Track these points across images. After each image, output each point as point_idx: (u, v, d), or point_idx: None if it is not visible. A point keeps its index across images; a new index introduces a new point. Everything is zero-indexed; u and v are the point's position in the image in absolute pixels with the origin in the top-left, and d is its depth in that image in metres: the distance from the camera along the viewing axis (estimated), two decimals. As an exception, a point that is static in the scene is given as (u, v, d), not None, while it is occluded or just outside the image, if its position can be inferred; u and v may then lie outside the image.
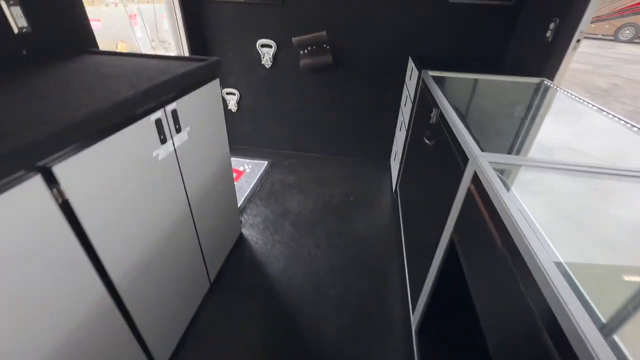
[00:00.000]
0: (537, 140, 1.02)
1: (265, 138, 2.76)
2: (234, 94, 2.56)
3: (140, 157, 0.91)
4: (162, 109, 0.98)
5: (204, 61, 1.26)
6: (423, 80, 1.63)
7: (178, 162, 1.10)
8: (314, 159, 2.68)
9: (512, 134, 1.07)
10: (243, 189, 2.24)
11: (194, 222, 1.26)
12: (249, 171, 2.46)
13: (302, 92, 2.47)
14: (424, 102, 1.55)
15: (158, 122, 0.96)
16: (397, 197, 2.14)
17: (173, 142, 1.05)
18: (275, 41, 2.28)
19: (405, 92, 2.13)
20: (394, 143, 2.44)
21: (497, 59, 2.07)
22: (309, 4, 2.11)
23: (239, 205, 2.06)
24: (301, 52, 2.25)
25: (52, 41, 1.27)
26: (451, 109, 1.13)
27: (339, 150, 2.70)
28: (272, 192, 2.23)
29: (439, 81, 1.56)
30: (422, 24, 2.06)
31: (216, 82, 1.32)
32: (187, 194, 1.18)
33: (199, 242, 1.32)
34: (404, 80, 2.25)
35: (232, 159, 2.59)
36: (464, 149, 0.88)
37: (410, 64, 2.04)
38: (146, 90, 0.89)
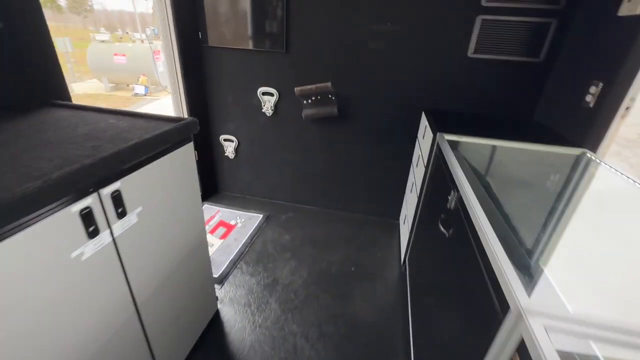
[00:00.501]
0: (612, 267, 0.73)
1: (263, 187, 2.54)
2: (231, 141, 2.39)
3: (50, 261, 0.67)
4: (95, 193, 0.75)
5: (176, 122, 1.06)
6: (438, 146, 1.39)
7: (118, 254, 0.85)
8: (314, 213, 2.42)
9: (563, 248, 0.79)
10: (230, 249, 1.98)
11: (141, 323, 0.99)
12: (240, 226, 2.21)
13: (304, 142, 2.27)
14: (439, 174, 1.29)
15: (86, 214, 0.73)
16: (405, 270, 1.82)
17: (111, 232, 0.82)
18: (277, 89, 2.13)
19: (417, 151, 1.90)
20: (404, 203, 2.16)
21: (524, 120, 1.82)
22: (314, 52, 1.97)
23: (221, 271, 1.79)
24: (304, 101, 2.09)
25: (7, 92, 1.10)
26: (475, 198, 0.87)
27: (341, 205, 2.44)
28: (263, 256, 1.95)
29: (457, 147, 1.32)
30: (438, 77, 1.87)
31: (189, 146, 1.11)
32: (131, 291, 0.92)
33: (149, 346, 1.04)
34: (417, 136, 2.02)
35: (224, 210, 2.36)
36: (501, 285, 0.60)
37: (424, 121, 1.82)
38: (70, 174, 0.67)
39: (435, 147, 1.46)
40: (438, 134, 1.42)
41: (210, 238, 2.07)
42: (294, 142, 2.29)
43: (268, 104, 2.17)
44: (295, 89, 2.04)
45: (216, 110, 2.32)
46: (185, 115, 2.18)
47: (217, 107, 2.30)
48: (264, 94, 2.16)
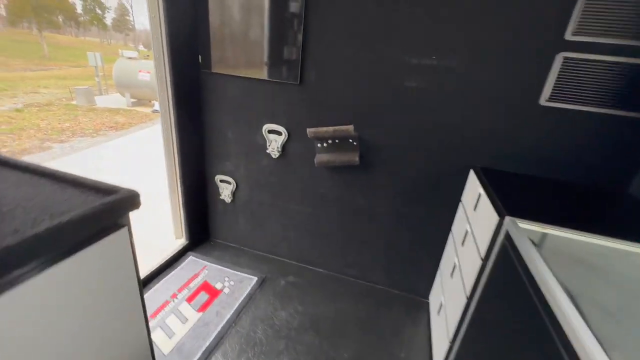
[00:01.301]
0: None
1: (263, 240, 2.10)
2: (229, 183, 2.00)
3: None
4: None
5: (105, 194, 0.66)
6: (508, 236, 0.93)
7: None
8: (321, 279, 1.95)
9: None
10: (208, 329, 1.52)
11: None
12: (227, 292, 1.76)
13: (315, 192, 1.85)
14: (515, 286, 0.81)
15: None
16: (441, 390, 1.30)
17: None
18: (286, 128, 1.74)
19: (462, 222, 1.42)
20: (439, 285, 1.66)
21: (616, 193, 1.33)
22: (334, 86, 1.58)
23: (188, 370, 1.33)
24: (319, 144, 1.68)
25: None
26: None
27: (356, 272, 1.96)
28: (249, 343, 1.48)
29: (541, 244, 0.85)
30: (496, 127, 1.43)
31: (123, 233, 0.70)
32: None
33: None
34: (459, 200, 1.56)
35: (212, 266, 1.93)
36: None
37: (472, 183, 1.36)
38: None
39: (501, 236, 0.99)
40: (507, 218, 0.96)
41: (186, 309, 1.62)
42: (303, 191, 1.87)
43: (274, 143, 1.78)
44: (308, 130, 1.64)
45: (213, 146, 1.95)
46: (175, 149, 1.82)
47: (215, 142, 1.93)
48: (270, 132, 1.77)
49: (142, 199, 0.72)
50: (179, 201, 2.00)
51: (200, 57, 1.73)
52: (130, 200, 0.68)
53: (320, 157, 1.69)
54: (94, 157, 4.83)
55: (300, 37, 1.53)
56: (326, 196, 1.84)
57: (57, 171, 0.74)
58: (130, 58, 8.93)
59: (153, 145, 5.27)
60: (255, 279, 1.88)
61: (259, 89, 1.71)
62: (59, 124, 6.63)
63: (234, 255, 2.10)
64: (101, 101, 9.21)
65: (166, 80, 1.68)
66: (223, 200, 2.06)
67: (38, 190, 0.67)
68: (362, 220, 1.82)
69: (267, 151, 1.81)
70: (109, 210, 0.64)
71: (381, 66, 1.48)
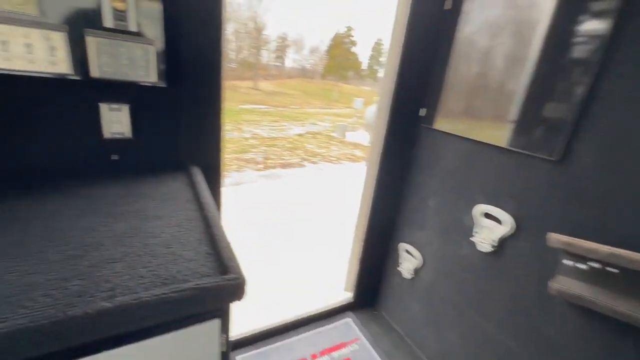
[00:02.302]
0: None
1: (432, 343, 1.56)
2: (413, 257, 1.63)
3: None
4: None
5: (224, 270, 0.55)
6: None
7: None
8: None
9: None
10: None
11: None
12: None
13: (532, 326, 1.13)
14: None
15: None
16: None
17: None
18: (514, 218, 1.17)
19: None
20: None
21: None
22: (634, 178, 0.87)
23: None
24: (570, 262, 0.99)
25: (151, 153, 1.02)
26: None
27: None
28: None
29: None
30: None
31: (213, 326, 0.55)
32: None
33: None
34: None
35: (365, 343, 1.56)
36: None
37: None
38: None
39: None
40: None
41: (316, 383, 1.41)
42: (511, 313, 1.19)
43: (487, 233, 1.25)
44: (552, 235, 1.01)
45: (408, 210, 1.65)
46: (370, 200, 1.68)
47: (412, 206, 1.63)
48: (485, 215, 1.26)
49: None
50: (358, 252, 1.85)
51: (423, 110, 1.51)
52: (232, 289, 0.52)
53: (566, 285, 0.99)
54: (322, 177, 5.90)
55: (581, 91, 0.96)
56: (553, 340, 1.07)
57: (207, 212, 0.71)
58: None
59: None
60: (404, 397, 1.39)
61: (487, 158, 1.25)
62: (317, 149, 8.65)
63: (393, 342, 1.69)
64: (350, 136, 11.27)
65: (381, 129, 1.58)
66: (400, 273, 1.71)
67: (160, 233, 0.65)
68: None
69: (473, 239, 1.30)
70: (203, 295, 0.50)
71: None
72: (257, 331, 1.60)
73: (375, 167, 1.64)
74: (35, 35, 0.76)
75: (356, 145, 9.76)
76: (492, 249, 1.24)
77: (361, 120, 13.30)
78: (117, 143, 0.95)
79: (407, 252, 1.67)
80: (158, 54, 0.91)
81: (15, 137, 0.82)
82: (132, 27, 0.85)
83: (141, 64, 0.89)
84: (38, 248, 0.54)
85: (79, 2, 0.77)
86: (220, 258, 0.58)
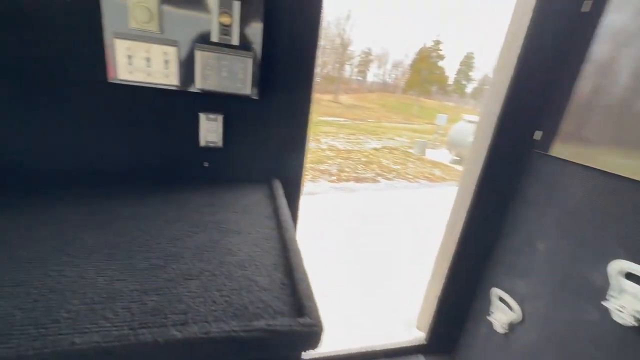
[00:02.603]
0: None
1: None
2: (509, 308, 1.34)
3: None
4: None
5: (300, 312, 0.48)
6: None
7: None
8: None
9: None
10: None
11: None
12: None
13: None
14: None
15: None
16: None
17: None
18: (679, 288, 0.84)
19: None
20: None
21: None
22: None
23: None
24: None
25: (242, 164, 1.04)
26: None
27: None
28: None
29: None
30: None
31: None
32: None
33: None
34: None
35: None
36: None
37: None
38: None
39: None
40: None
41: None
42: None
43: (631, 300, 0.93)
44: None
45: (507, 251, 1.38)
46: (457, 232, 1.46)
47: (512, 247, 1.36)
48: (627, 276, 0.95)
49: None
50: (438, 288, 1.63)
51: (538, 132, 1.25)
52: (312, 336, 0.44)
53: None
54: (397, 194, 5.57)
55: None
56: None
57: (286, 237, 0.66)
58: (470, 121, 9.52)
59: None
60: None
61: (632, 198, 0.95)
62: (393, 165, 8.33)
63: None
64: (429, 154, 10.60)
65: (480, 151, 1.37)
66: (491, 324, 1.43)
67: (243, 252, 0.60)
68: None
69: (606, 304, 0.99)
70: (287, 341, 0.43)
71: None
72: (316, 356, 1.51)
73: (468, 194, 1.42)
74: (155, 50, 0.83)
75: (436, 164, 9.11)
76: (637, 324, 0.92)
77: (443, 137, 12.43)
78: (210, 151, 0.99)
79: (501, 299, 1.39)
80: (254, 67, 0.92)
81: (134, 142, 0.91)
82: (235, 41, 0.87)
83: (239, 76, 0.91)
84: (127, 253, 0.56)
85: (192, 18, 0.83)
86: (296, 292, 0.51)
